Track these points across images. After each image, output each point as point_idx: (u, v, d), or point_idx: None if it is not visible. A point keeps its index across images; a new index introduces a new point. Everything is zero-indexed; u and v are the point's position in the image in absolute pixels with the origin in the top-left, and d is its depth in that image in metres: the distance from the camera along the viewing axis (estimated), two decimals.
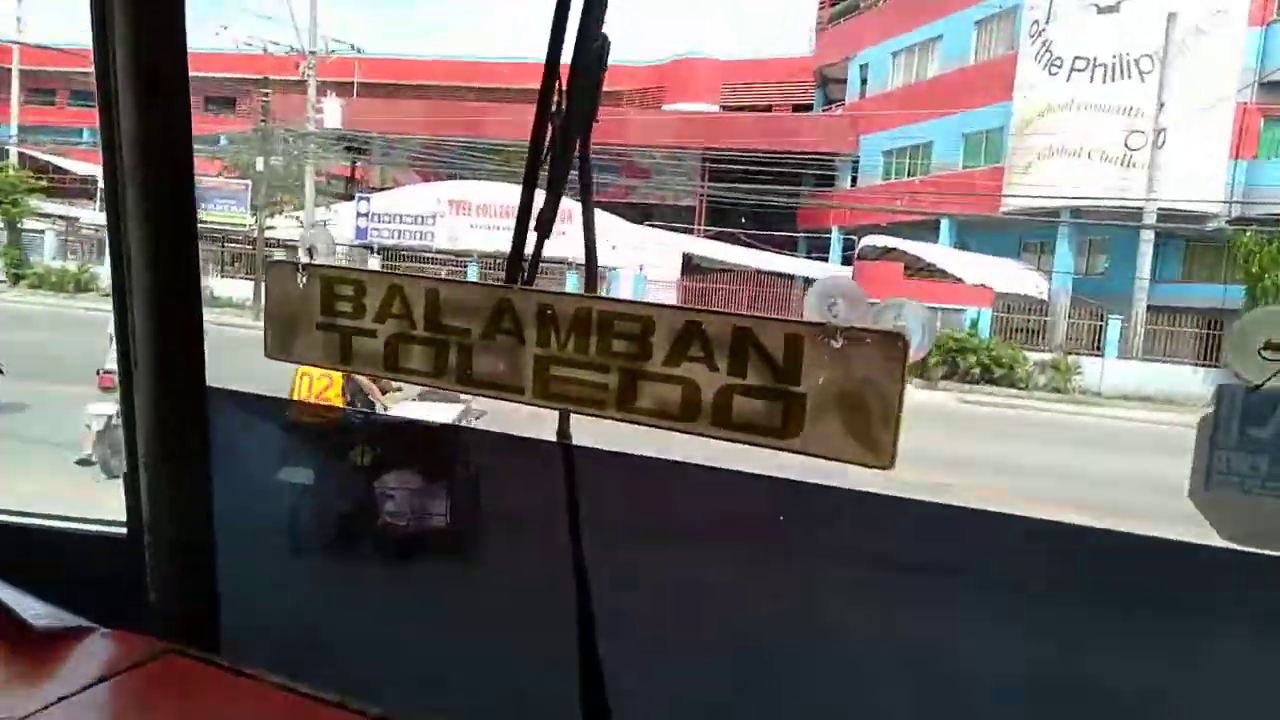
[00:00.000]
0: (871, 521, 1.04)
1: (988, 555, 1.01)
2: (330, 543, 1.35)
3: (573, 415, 1.07)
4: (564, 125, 1.01)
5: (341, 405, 5.91)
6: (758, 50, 33.65)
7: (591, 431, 1.06)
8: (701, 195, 29.17)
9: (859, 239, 23.48)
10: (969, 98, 22.73)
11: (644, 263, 24.26)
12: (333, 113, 28.39)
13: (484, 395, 1.07)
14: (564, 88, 1.01)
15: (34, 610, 1.07)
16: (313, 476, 1.33)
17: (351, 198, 28.72)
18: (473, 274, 25.61)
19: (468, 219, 25.97)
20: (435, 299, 1.07)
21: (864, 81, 28.04)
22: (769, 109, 31.67)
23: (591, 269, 1.08)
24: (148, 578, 1.23)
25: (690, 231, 28.23)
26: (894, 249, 21.85)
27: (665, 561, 1.13)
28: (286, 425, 1.43)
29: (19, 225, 27.36)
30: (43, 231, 28.30)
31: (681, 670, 1.10)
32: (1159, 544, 0.92)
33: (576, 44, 1.00)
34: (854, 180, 27.76)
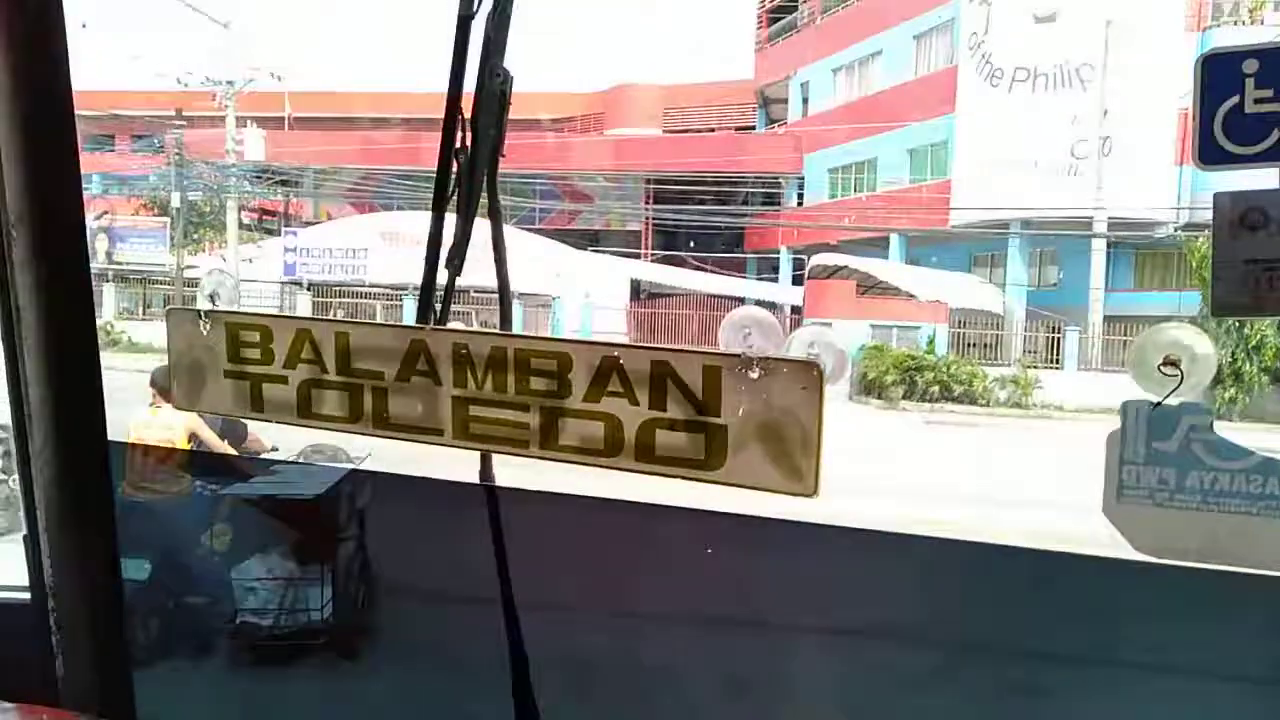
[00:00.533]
0: (798, 550, 1.07)
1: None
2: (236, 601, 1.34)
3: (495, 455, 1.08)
4: (470, 161, 1.04)
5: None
6: (698, 74, 34.36)
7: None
8: (647, 219, 29.50)
9: (808, 258, 23.93)
10: (911, 112, 23.44)
11: (590, 290, 24.36)
12: (254, 145, 28.08)
13: (402, 438, 1.08)
14: (468, 123, 1.04)
15: None
16: (221, 535, 1.32)
17: (277, 232, 28.42)
18: (409, 307, 25.42)
19: (401, 251, 25.86)
20: (346, 342, 1.08)
21: (805, 100, 28.73)
22: (712, 131, 32.26)
23: (505, 306, 1.10)
24: (54, 646, 1.20)
25: (638, 256, 28.48)
26: (844, 267, 22.30)
27: (598, 597, 1.15)
28: (195, 476, 1.41)
29: None
30: None
31: (619, 706, 1.12)
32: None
33: (479, 80, 1.03)
34: (800, 199, 28.32)
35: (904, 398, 18.37)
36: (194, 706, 1.25)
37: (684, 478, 0.98)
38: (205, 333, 1.13)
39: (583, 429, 1.01)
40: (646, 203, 29.70)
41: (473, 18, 1.02)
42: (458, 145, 1.01)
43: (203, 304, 1.13)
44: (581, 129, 32.79)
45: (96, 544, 1.24)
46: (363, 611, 1.28)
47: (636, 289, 26.08)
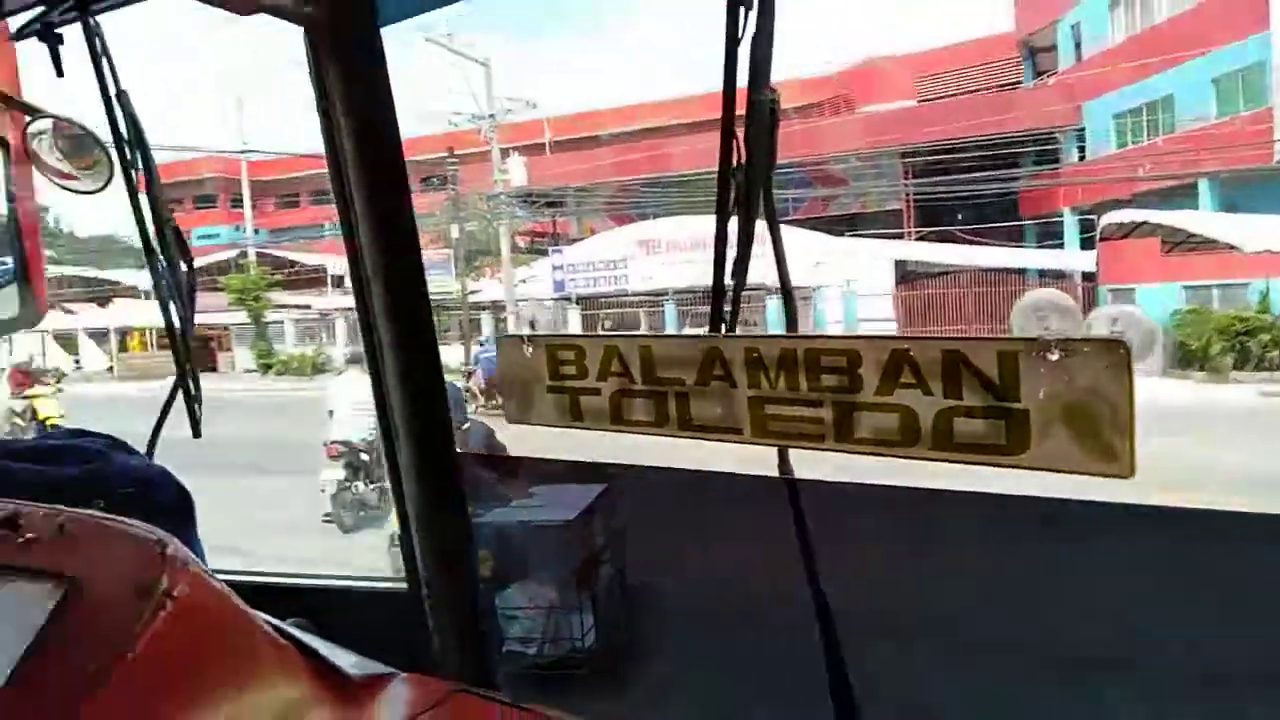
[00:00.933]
0: (1118, 533, 1.04)
1: None
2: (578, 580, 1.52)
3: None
4: (746, 181, 1.12)
5: None
6: (949, 36, 32.40)
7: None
8: (907, 196, 28.26)
9: (1098, 218, 21.62)
10: (1213, 36, 20.45)
11: (852, 276, 23.78)
12: (518, 172, 30.36)
13: (706, 439, 1.18)
14: (741, 145, 1.12)
15: (347, 660, 1.30)
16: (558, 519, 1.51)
17: (546, 253, 30.64)
18: (669, 312, 26.33)
19: (659, 257, 26.86)
20: (649, 354, 1.20)
21: (1077, 44, 26.06)
22: (972, 94, 30.24)
23: (790, 311, 1.17)
24: (430, 626, 1.45)
25: (899, 236, 27.37)
26: (1143, 223, 19.88)
27: (910, 587, 1.18)
28: (531, 480, 1.62)
29: (263, 319, 31.71)
30: (281, 322, 32.66)
31: (937, 696, 1.14)
32: None
33: (750, 101, 1.11)
34: (1081, 154, 25.73)
35: (1235, 368, 15.89)
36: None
37: (985, 464, 0.99)
38: (528, 355, 1.31)
39: (877, 421, 1.05)
40: (905, 178, 28.48)
41: (739, 43, 1.10)
42: (734, 165, 1.10)
43: (523, 329, 1.30)
44: (831, 111, 32.13)
45: (457, 543, 1.47)
46: (635, 632, 1.39)
47: (902, 271, 25.02)
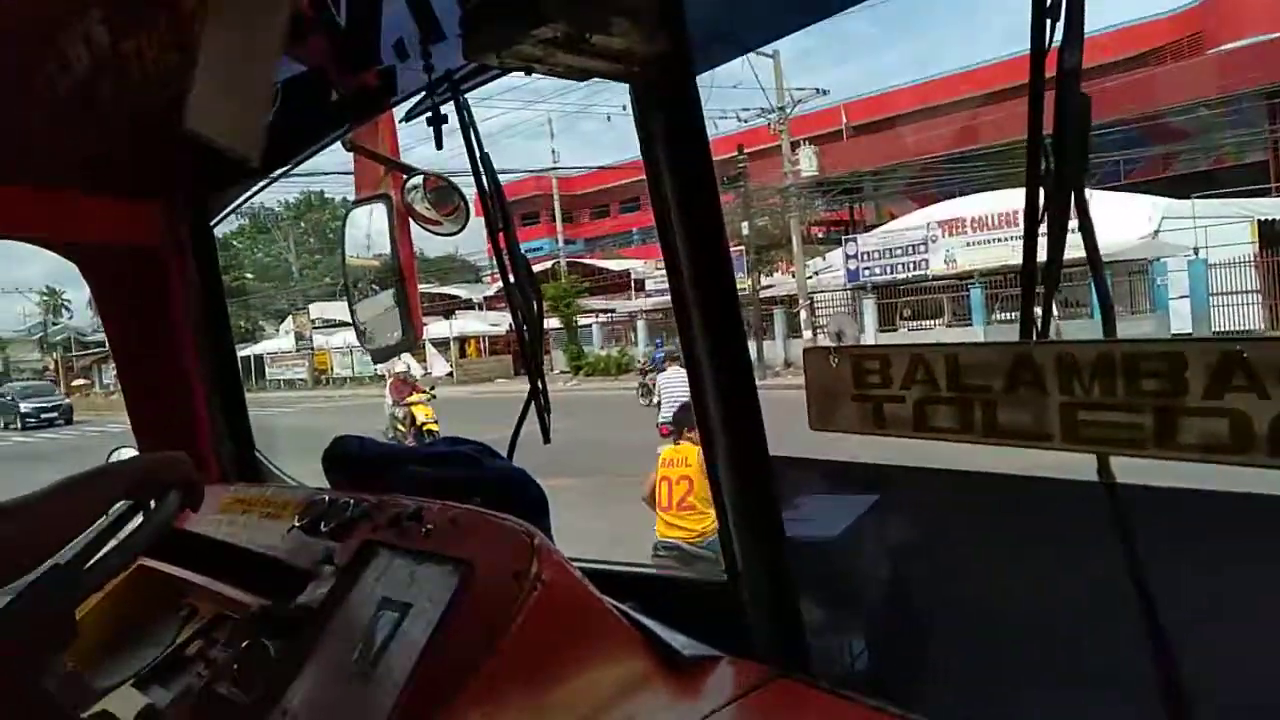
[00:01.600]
0: None
1: None
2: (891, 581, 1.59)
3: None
4: (1057, 177, 1.13)
5: None
6: None
7: None
8: (1275, 143, 24.14)
9: None
10: None
11: (1200, 245, 20.80)
12: (808, 162, 29.98)
13: (1009, 445, 1.20)
14: (1048, 146, 1.12)
15: (679, 641, 1.48)
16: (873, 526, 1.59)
17: (839, 243, 30.00)
18: (975, 298, 24.62)
19: (963, 237, 25.22)
20: (955, 363, 1.24)
21: None
22: None
23: (1107, 311, 1.16)
24: (747, 617, 1.60)
25: (1265, 193, 23.46)
26: None
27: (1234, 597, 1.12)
28: (842, 486, 1.71)
29: (574, 324, 34.33)
30: (589, 325, 35.18)
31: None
32: None
33: (1058, 104, 1.11)
34: None
35: None
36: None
37: None
38: (834, 365, 1.41)
39: (1203, 426, 1.01)
40: (1272, 121, 24.36)
41: (1045, 54, 1.11)
42: (1041, 170, 1.11)
43: (829, 341, 1.41)
44: (1174, 57, 28.28)
45: (771, 537, 1.60)
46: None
47: (1270, 232, 21.42)
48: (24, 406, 37.23)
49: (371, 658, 1.42)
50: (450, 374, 36.56)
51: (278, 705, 1.47)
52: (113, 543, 1.51)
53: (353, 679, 1.42)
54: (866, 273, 27.72)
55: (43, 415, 36.73)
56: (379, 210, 2.43)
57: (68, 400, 40.38)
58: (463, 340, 39.31)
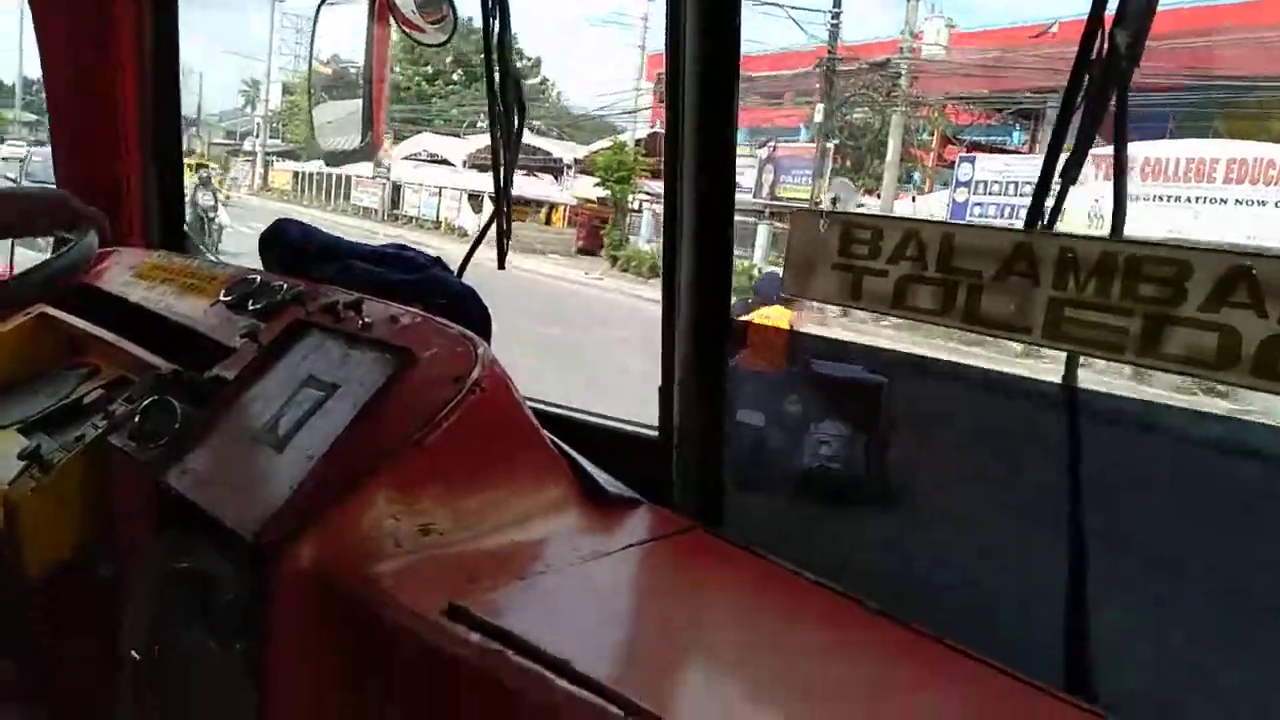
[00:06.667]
0: None
1: None
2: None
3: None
4: (1102, 74, 1.06)
5: None
6: None
7: None
8: None
9: None
10: None
11: None
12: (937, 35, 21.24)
13: (987, 334, 1.16)
14: (1106, 35, 1.05)
15: (605, 479, 1.43)
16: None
17: (952, 164, 21.07)
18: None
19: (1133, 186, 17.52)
20: (950, 243, 1.19)
21: None
22: None
23: (1119, 212, 1.11)
24: (674, 470, 1.56)
25: None
26: None
27: (1171, 524, 1.12)
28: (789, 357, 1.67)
29: (626, 204, 26.74)
30: (640, 211, 27.06)
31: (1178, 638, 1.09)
32: None
33: None
34: None
35: None
36: (766, 521, 1.53)
37: None
38: (823, 230, 1.34)
39: (1190, 339, 0.99)
40: None
41: None
42: (1091, 57, 1.04)
43: (825, 206, 1.33)
44: None
45: (713, 398, 1.55)
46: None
47: None
48: None
49: (287, 430, 1.32)
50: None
51: (178, 464, 1.37)
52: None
53: (263, 447, 1.33)
54: (978, 209, 19.10)
55: None
56: (359, 9, 2.23)
57: None
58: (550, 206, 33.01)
